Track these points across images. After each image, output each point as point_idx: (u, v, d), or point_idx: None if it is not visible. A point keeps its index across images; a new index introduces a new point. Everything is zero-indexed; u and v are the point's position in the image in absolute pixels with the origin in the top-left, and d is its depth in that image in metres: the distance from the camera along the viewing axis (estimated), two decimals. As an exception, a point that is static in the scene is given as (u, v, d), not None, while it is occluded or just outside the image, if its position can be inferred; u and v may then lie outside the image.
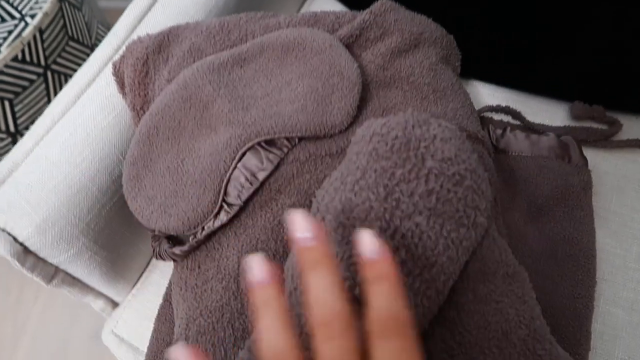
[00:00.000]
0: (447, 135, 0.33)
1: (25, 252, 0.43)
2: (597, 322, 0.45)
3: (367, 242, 0.25)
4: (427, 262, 0.30)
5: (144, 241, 0.53)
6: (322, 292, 0.24)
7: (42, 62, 0.79)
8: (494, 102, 0.57)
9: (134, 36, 0.51)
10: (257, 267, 0.25)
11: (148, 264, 0.56)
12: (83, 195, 0.45)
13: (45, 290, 0.98)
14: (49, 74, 0.81)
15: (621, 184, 0.52)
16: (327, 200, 0.32)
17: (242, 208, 0.40)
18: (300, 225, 0.25)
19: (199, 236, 0.40)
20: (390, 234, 0.30)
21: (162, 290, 0.50)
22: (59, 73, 0.83)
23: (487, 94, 0.59)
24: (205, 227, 0.40)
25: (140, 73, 0.47)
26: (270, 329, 0.23)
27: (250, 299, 0.25)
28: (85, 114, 0.47)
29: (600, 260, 0.47)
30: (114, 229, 0.48)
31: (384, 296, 0.24)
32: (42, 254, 0.44)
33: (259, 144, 0.41)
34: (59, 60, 0.82)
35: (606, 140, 0.54)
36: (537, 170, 0.50)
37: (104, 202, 0.46)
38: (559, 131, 0.54)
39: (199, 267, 0.40)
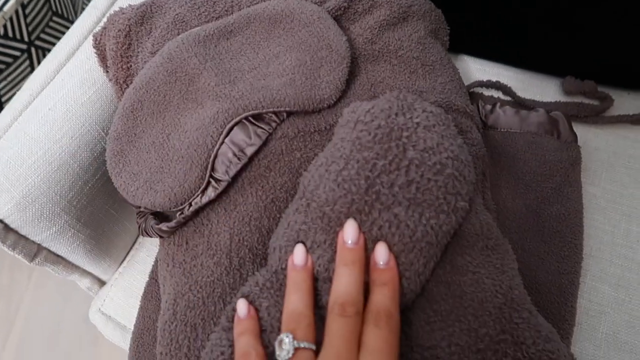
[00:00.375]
0: (431, 122, 0.34)
1: (5, 230, 0.42)
2: (583, 298, 0.45)
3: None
4: (404, 248, 0.31)
5: (129, 218, 0.52)
6: (348, 282, 0.30)
7: (26, 37, 0.77)
8: (483, 77, 0.56)
9: (116, 7, 0.49)
10: (298, 254, 0.32)
11: (135, 242, 0.56)
12: (64, 171, 0.44)
13: (38, 271, 0.97)
14: (32, 50, 0.79)
15: (611, 160, 0.52)
16: (312, 186, 0.34)
17: (231, 184, 0.39)
18: (350, 234, 0.32)
19: (187, 212, 0.39)
20: (368, 226, 0.32)
21: (149, 268, 0.50)
22: (43, 49, 0.81)
23: (477, 69, 0.58)
24: (193, 203, 0.40)
25: (123, 45, 0.46)
26: (297, 300, 0.31)
27: (288, 278, 0.32)
28: (65, 88, 0.45)
29: (588, 236, 0.47)
30: (98, 206, 0.48)
31: (384, 296, 0.30)
32: (23, 232, 0.43)
33: (246, 118, 0.40)
34: (43, 36, 0.80)
35: (597, 116, 0.53)
36: (526, 146, 0.50)
37: (86, 179, 0.45)
38: (550, 106, 0.53)
39: (186, 242, 0.39)
